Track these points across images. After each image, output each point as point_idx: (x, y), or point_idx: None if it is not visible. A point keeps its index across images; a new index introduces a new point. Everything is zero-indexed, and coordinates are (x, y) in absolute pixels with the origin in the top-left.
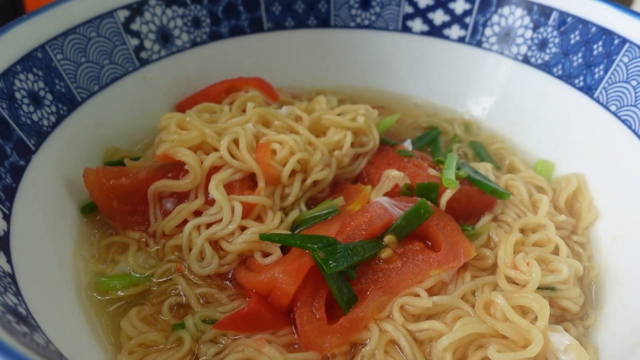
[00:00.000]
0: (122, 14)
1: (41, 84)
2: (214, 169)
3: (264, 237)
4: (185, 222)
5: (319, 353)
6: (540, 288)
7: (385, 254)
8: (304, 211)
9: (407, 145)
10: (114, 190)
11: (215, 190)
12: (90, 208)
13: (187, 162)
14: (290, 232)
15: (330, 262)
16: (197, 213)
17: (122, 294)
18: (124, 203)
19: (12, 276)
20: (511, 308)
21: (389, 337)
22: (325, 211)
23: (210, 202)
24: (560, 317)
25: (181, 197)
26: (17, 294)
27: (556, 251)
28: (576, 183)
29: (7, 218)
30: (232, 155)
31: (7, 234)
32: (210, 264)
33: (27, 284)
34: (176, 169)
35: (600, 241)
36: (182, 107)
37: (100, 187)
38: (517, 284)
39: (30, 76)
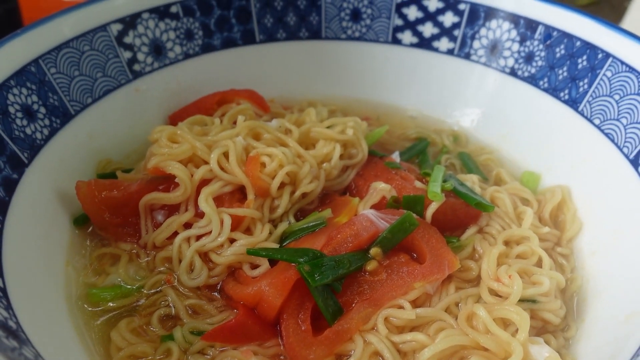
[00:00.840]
0: (115, 28)
1: (35, 98)
2: (204, 182)
3: (251, 252)
4: (175, 234)
5: None
6: (522, 300)
7: (370, 266)
8: (293, 223)
9: (395, 157)
10: (106, 202)
11: (205, 203)
12: (83, 220)
13: (177, 175)
14: (278, 245)
15: (315, 275)
16: (187, 225)
17: (112, 305)
18: (115, 215)
19: (4, 290)
20: (492, 320)
21: (373, 348)
22: (313, 223)
23: (200, 215)
24: (542, 329)
25: (172, 209)
26: (8, 307)
27: (539, 263)
28: (561, 195)
29: None
30: (222, 168)
31: None
32: (199, 275)
33: (18, 297)
34: (167, 181)
35: (584, 253)
36: (174, 118)
37: (93, 199)
38: (500, 296)
39: (24, 90)
